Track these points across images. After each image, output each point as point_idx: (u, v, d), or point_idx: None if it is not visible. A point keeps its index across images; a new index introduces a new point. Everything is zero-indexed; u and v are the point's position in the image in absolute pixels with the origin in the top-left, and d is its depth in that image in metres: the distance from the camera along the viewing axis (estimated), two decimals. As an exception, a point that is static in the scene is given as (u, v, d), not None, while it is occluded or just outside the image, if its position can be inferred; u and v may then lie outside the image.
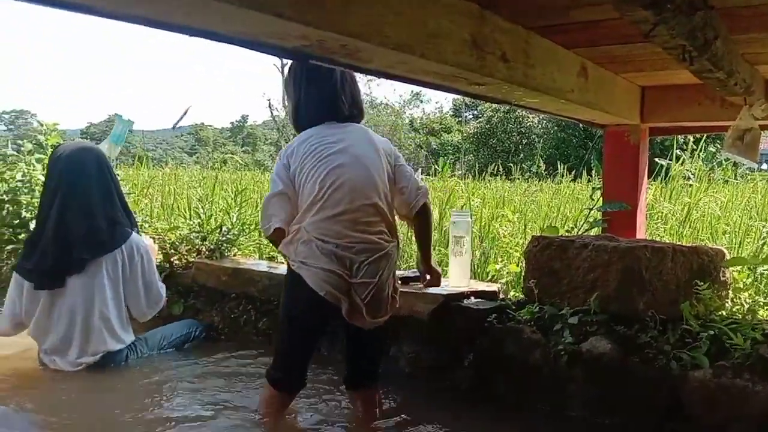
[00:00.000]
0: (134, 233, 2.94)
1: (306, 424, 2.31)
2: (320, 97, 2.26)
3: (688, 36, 1.44)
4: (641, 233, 3.03)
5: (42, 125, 4.28)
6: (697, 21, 1.42)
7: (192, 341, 3.17)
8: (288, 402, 2.28)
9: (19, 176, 4.04)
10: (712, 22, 1.52)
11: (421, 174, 8.02)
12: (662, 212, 4.02)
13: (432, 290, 2.65)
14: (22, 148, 4.19)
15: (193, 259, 3.58)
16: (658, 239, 3.24)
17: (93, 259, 2.77)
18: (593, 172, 5.77)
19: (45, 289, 2.77)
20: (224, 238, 3.69)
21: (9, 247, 3.93)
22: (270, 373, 2.22)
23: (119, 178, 4.61)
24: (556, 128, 22.85)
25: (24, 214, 3.94)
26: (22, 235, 3.89)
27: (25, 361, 2.87)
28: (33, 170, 4.09)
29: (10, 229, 3.97)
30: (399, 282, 2.29)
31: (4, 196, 4.01)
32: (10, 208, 3.98)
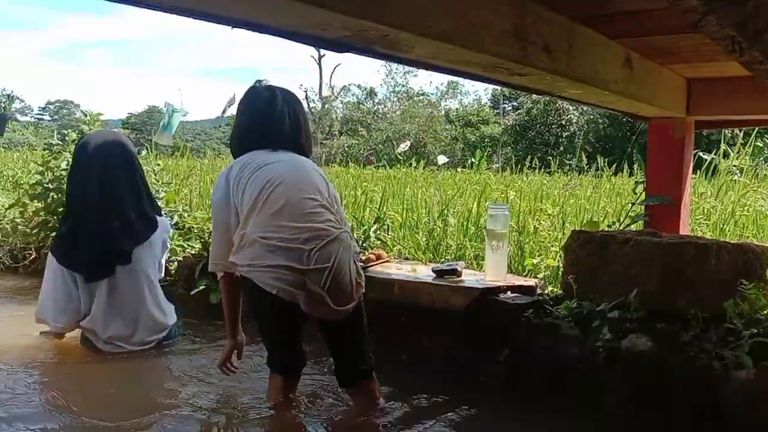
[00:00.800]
0: (158, 216, 3.05)
1: (313, 410, 2.35)
2: (254, 126, 2.32)
3: (738, 26, 1.39)
4: (684, 229, 2.96)
5: (86, 115, 4.37)
6: (748, 10, 1.37)
7: None
8: (292, 384, 2.29)
9: (63, 165, 4.14)
10: (764, 11, 1.47)
11: (443, 164, 8.09)
12: (704, 208, 3.93)
13: (468, 284, 2.64)
14: (67, 138, 4.29)
15: (230, 248, 3.62)
16: (701, 235, 3.16)
17: (138, 245, 2.88)
18: (635, 166, 5.66)
19: (97, 280, 2.84)
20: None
21: (53, 234, 4.04)
22: (268, 360, 2.25)
23: (160, 167, 4.74)
24: (599, 119, 22.42)
25: (68, 202, 4.05)
26: (67, 222, 3.99)
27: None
28: (77, 159, 4.19)
29: (55, 217, 4.09)
30: (362, 269, 2.23)
31: (50, 185, 4.12)
32: (55, 196, 4.08)
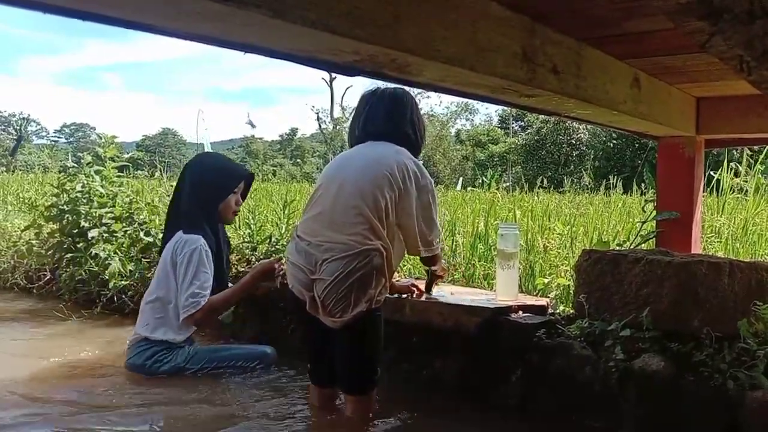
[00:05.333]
0: (181, 233, 2.89)
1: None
2: (360, 118, 2.42)
3: (746, 46, 1.40)
4: (696, 248, 2.95)
5: (101, 138, 4.43)
6: (756, 30, 1.38)
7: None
8: (326, 395, 2.41)
9: (78, 187, 4.19)
10: (771, 31, 1.48)
11: (461, 187, 8.17)
12: (715, 226, 3.91)
13: (479, 304, 2.63)
14: (82, 160, 4.35)
15: (243, 269, 3.64)
16: (712, 254, 3.15)
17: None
18: (643, 185, 5.65)
19: None
20: (273, 249, 3.74)
21: (68, 255, 4.07)
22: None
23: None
24: (605, 138, 22.39)
25: (83, 223, 4.08)
26: (81, 243, 4.02)
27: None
28: (92, 182, 4.23)
29: (70, 239, 4.12)
30: (380, 292, 2.18)
31: (65, 206, 4.17)
32: (70, 218, 4.13)
